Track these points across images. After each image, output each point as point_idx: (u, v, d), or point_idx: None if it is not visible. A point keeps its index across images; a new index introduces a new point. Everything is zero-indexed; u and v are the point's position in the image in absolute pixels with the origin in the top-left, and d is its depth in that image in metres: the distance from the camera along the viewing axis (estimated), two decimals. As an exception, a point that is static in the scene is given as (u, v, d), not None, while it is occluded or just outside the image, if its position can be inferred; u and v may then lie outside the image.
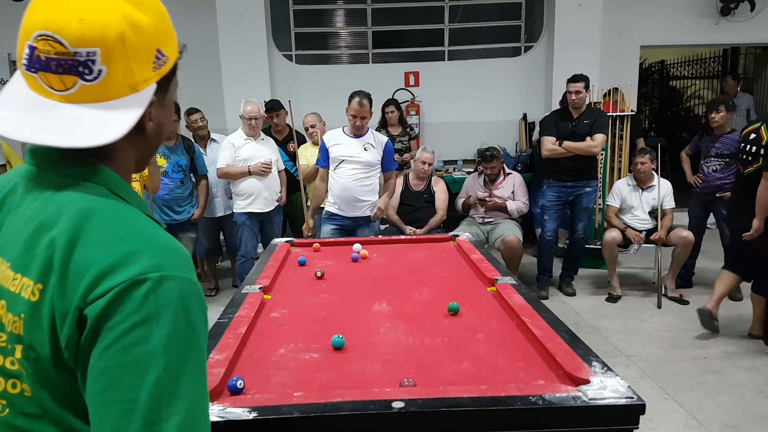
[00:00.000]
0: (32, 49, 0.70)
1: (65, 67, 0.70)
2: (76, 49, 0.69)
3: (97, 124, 0.71)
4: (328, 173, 3.92)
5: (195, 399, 0.67)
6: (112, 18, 0.70)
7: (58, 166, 0.75)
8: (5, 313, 0.69)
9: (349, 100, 3.75)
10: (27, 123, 0.71)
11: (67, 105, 0.71)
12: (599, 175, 5.21)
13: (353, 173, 3.80)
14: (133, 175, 3.74)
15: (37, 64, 0.71)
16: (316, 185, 4.04)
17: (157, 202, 4.23)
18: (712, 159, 4.62)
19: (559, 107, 5.09)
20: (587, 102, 4.67)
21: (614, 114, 5.29)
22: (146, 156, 0.85)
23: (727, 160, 4.55)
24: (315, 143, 4.51)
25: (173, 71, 0.81)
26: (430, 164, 4.78)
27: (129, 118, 0.73)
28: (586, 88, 4.53)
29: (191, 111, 4.84)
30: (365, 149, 3.80)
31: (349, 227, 3.90)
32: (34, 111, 0.71)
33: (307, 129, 4.79)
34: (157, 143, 0.84)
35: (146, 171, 3.84)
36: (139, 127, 0.76)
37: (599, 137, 4.51)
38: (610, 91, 5.48)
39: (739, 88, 7.28)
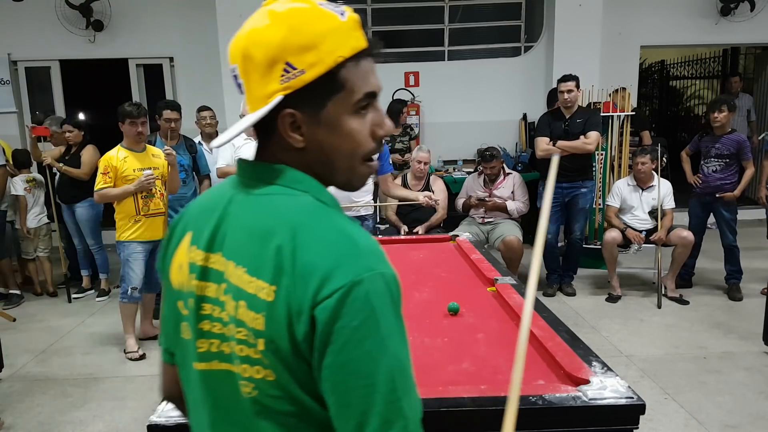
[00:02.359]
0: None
1: (236, 83, 0.82)
2: (231, 66, 0.82)
3: (233, 130, 0.83)
4: None
5: (411, 375, 0.77)
6: (241, 35, 0.80)
7: (259, 174, 0.84)
8: (246, 311, 0.78)
9: None
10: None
11: (245, 116, 0.82)
12: (599, 175, 5.20)
13: None
14: (156, 173, 3.77)
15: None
16: None
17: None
18: (712, 159, 4.62)
19: (552, 108, 5.09)
20: (587, 101, 4.68)
21: (614, 114, 5.29)
22: (327, 173, 0.85)
23: (727, 160, 4.55)
24: None
25: (327, 85, 0.78)
26: (426, 163, 4.77)
27: (242, 126, 0.81)
28: (577, 87, 4.56)
29: (202, 108, 4.95)
30: None
31: None
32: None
33: None
34: (327, 160, 0.83)
35: (167, 172, 3.87)
36: (288, 143, 0.81)
37: (593, 135, 4.53)
38: (617, 90, 5.46)
39: (739, 89, 7.28)
